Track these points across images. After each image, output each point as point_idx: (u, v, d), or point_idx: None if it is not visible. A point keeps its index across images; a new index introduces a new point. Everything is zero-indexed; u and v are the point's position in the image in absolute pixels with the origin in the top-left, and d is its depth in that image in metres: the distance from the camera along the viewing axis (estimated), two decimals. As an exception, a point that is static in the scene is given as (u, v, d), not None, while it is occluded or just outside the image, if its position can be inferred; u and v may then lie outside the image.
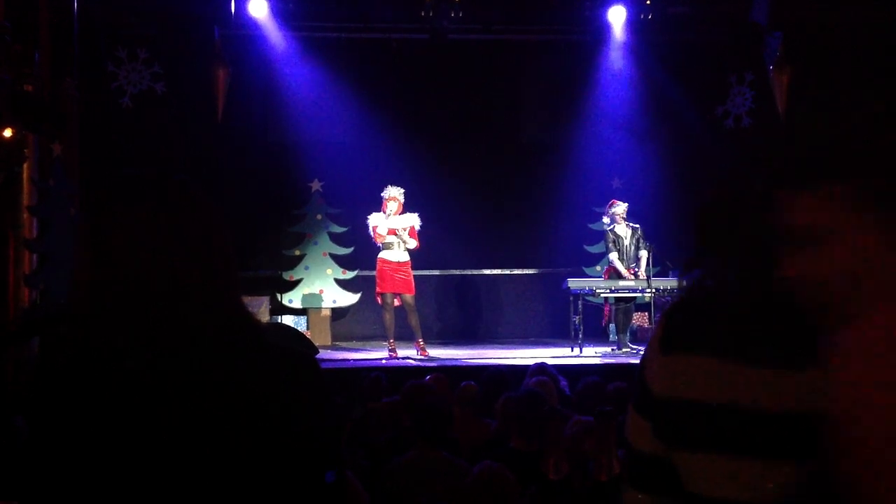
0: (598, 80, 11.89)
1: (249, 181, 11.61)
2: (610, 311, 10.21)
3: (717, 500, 1.16)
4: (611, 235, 9.81)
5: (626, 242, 9.76)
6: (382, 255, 9.21)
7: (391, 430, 4.97)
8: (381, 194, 9.29)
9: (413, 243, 9.17)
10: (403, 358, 9.11)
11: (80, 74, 10.05)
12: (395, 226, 9.17)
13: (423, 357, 9.11)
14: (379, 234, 9.17)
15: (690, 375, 1.20)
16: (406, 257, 9.24)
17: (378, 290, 9.30)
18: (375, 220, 9.25)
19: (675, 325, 1.29)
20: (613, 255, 9.75)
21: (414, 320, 9.27)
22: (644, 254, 9.76)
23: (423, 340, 9.34)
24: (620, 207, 9.87)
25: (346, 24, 11.34)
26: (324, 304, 11.49)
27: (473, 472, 3.34)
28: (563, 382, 6.16)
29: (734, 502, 1.15)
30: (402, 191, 9.31)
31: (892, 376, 1.04)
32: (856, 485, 1.04)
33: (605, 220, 10.12)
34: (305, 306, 11.50)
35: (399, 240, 9.18)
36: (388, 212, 9.19)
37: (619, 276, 9.64)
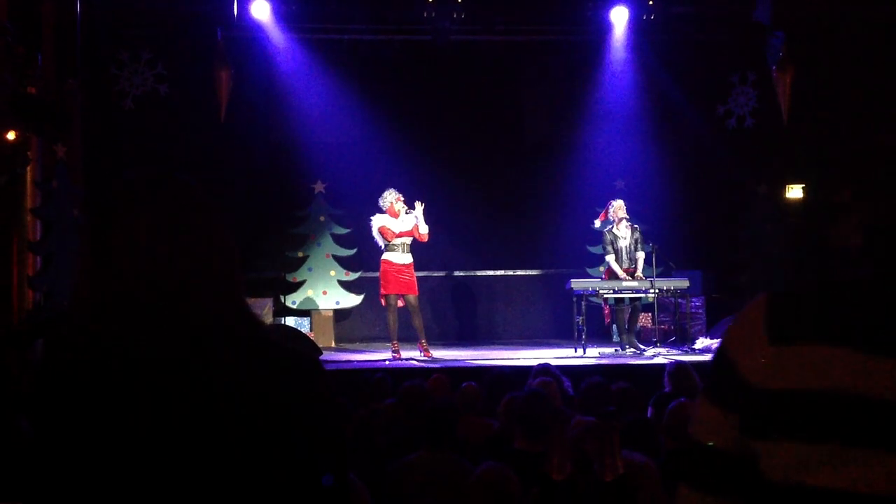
0: (600, 80, 11.88)
1: (252, 182, 11.63)
2: (611, 311, 10.19)
3: (834, 491, 1.14)
4: (608, 236, 9.75)
5: (626, 242, 9.70)
6: (386, 256, 9.20)
7: (395, 431, 4.97)
8: (388, 200, 9.24)
9: (425, 227, 9.17)
10: (407, 359, 9.11)
11: (82, 76, 10.08)
12: (407, 227, 9.17)
13: (426, 358, 9.11)
14: (392, 232, 9.13)
15: (816, 366, 1.16)
16: (410, 259, 9.24)
17: (382, 291, 9.29)
18: (382, 221, 9.21)
19: (787, 313, 1.22)
20: (610, 258, 9.71)
21: (417, 321, 9.27)
22: (641, 255, 9.72)
23: (427, 341, 9.34)
24: (617, 203, 9.81)
25: (348, 26, 11.35)
26: (327, 306, 11.49)
27: (476, 472, 3.34)
28: (567, 383, 6.15)
29: (857, 494, 1.13)
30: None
31: None
32: None
33: (597, 223, 10.08)
34: (308, 308, 11.50)
35: (403, 242, 9.18)
36: (399, 212, 9.18)
37: (617, 278, 9.62)
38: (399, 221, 9.20)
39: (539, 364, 6.33)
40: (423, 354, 9.20)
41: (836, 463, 1.13)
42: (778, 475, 1.18)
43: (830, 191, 1.31)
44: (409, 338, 9.70)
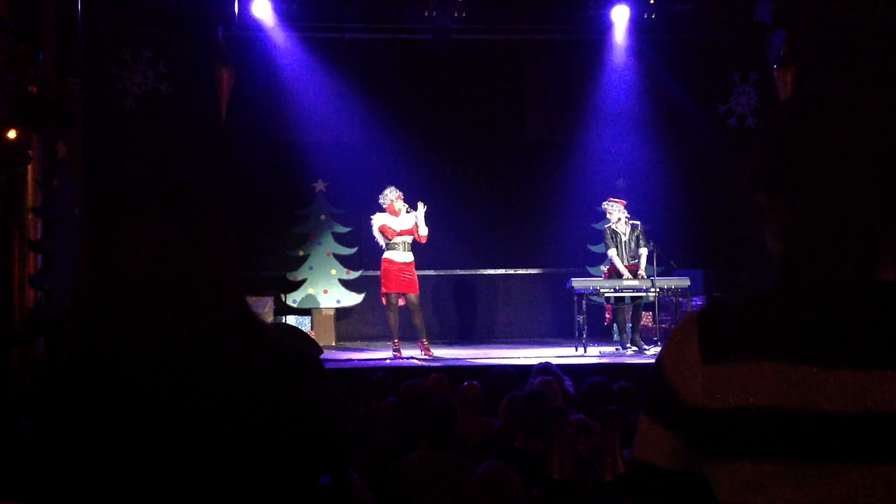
0: (601, 79, 11.88)
1: (253, 181, 11.62)
2: (613, 311, 10.19)
3: None
4: (608, 232, 9.78)
5: (625, 239, 9.74)
6: (387, 255, 9.20)
7: (396, 429, 4.97)
8: (388, 198, 9.24)
9: (425, 229, 9.17)
10: (408, 358, 9.11)
11: (84, 74, 10.07)
12: (407, 226, 9.17)
13: (427, 357, 9.11)
14: (392, 231, 9.13)
15: (753, 383, 1.13)
16: (411, 258, 9.24)
17: (383, 290, 9.30)
18: (383, 220, 9.22)
19: (718, 330, 1.19)
20: (612, 252, 9.73)
21: (418, 320, 9.27)
22: (644, 251, 9.73)
23: (427, 340, 9.34)
24: (610, 205, 9.83)
25: (349, 25, 11.35)
26: (328, 305, 11.50)
27: (477, 471, 3.34)
28: (568, 382, 6.16)
29: None
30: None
31: None
32: None
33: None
34: (309, 306, 11.50)
35: (403, 241, 9.18)
36: (400, 211, 9.18)
37: (619, 275, 9.63)
38: (399, 220, 9.20)
39: (540, 363, 6.33)
40: (424, 353, 9.20)
41: (784, 480, 1.11)
42: (726, 496, 1.16)
43: (753, 190, 1.25)
44: (410, 336, 9.70)
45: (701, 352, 1.19)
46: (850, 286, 1.15)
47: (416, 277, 9.27)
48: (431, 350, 9.28)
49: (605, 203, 9.93)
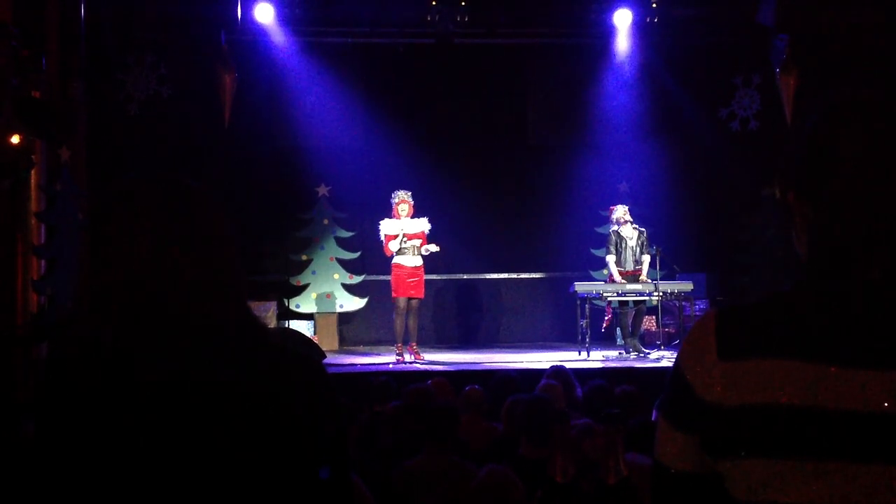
0: (604, 82, 11.88)
1: (256, 186, 11.64)
2: (612, 314, 10.18)
3: None
4: (613, 237, 9.76)
5: (633, 244, 9.72)
6: (397, 260, 9.20)
7: (399, 434, 4.97)
8: (394, 201, 9.29)
9: (435, 248, 9.23)
10: (410, 362, 9.11)
11: (87, 79, 10.08)
12: (412, 231, 9.18)
13: (417, 360, 9.13)
14: (388, 249, 9.16)
15: (771, 381, 1.14)
16: (420, 262, 9.25)
17: (393, 294, 9.30)
18: (389, 227, 9.23)
19: (736, 328, 1.20)
20: (611, 258, 9.72)
21: (413, 322, 9.28)
22: (647, 258, 9.72)
23: (417, 344, 9.37)
24: (620, 210, 9.83)
25: (352, 29, 11.36)
26: (331, 309, 11.50)
27: (479, 474, 3.34)
28: (578, 387, 6.12)
29: None
30: (410, 193, 9.35)
31: None
32: None
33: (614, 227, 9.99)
34: (312, 311, 11.50)
35: (413, 246, 9.18)
36: (402, 215, 9.21)
37: (615, 280, 9.65)
38: (401, 223, 9.20)
39: (553, 365, 6.30)
40: (413, 357, 9.20)
41: (799, 478, 1.11)
42: (743, 494, 1.16)
43: (781, 189, 1.26)
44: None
45: (718, 349, 1.19)
46: (875, 287, 1.15)
47: (423, 281, 9.29)
48: (421, 354, 9.30)
49: (615, 207, 9.93)
